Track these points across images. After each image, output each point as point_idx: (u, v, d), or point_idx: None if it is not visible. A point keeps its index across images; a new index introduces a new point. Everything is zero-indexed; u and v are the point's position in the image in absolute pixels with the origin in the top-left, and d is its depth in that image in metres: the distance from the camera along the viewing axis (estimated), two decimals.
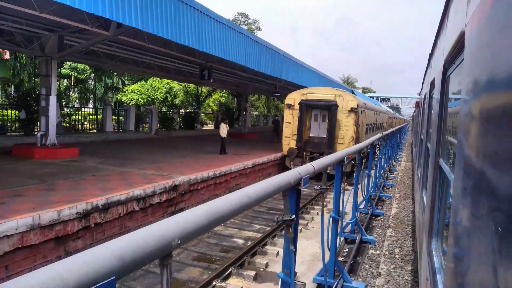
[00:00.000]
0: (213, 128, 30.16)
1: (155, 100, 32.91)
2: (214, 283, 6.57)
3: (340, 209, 6.35)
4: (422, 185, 5.30)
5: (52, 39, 11.84)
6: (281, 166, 17.63)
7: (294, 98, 17.25)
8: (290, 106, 17.30)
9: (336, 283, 6.21)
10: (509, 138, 0.88)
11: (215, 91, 32.21)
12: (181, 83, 30.97)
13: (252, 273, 7.08)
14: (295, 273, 3.33)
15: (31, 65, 31.14)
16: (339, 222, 6.57)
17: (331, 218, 6.00)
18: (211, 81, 16.54)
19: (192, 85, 29.84)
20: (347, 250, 9.12)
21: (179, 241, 1.37)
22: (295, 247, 3.10)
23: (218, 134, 16.69)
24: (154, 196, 9.13)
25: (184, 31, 10.91)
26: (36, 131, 16.07)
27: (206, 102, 32.31)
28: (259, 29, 48.87)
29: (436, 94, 3.82)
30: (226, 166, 12.91)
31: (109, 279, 1.03)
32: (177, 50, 14.15)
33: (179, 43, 11.06)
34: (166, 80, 32.78)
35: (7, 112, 16.82)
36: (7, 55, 35.75)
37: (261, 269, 7.59)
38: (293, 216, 2.83)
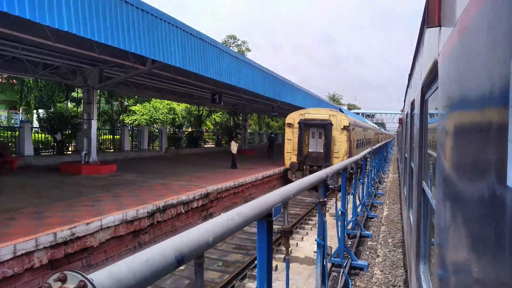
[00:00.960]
0: (214, 146, 32.39)
1: (157, 120, 35.03)
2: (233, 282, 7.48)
3: (345, 206, 8.62)
4: (408, 204, 5.34)
5: (94, 72, 14.03)
6: (283, 178, 19.91)
7: (293, 118, 19.69)
8: (290, 125, 19.71)
9: (346, 261, 8.44)
10: (477, 157, 0.96)
11: (215, 111, 34.61)
12: (179, 104, 33.27)
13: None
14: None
15: (37, 89, 33.07)
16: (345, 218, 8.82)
17: (340, 212, 8.26)
18: (221, 104, 18.88)
19: (193, 106, 32.13)
20: (350, 243, 11.35)
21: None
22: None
23: (219, 151, 18.94)
24: (193, 201, 11.27)
25: (208, 65, 13.24)
26: (69, 151, 18.04)
27: (206, 121, 34.62)
28: (248, 50, 51.76)
29: (416, 117, 3.99)
30: (242, 178, 15.13)
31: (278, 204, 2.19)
32: (195, 79, 16.48)
33: (200, 74, 13.33)
34: (166, 101, 35.01)
35: (40, 135, 18.71)
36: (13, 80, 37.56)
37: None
38: (325, 199, 5.05)
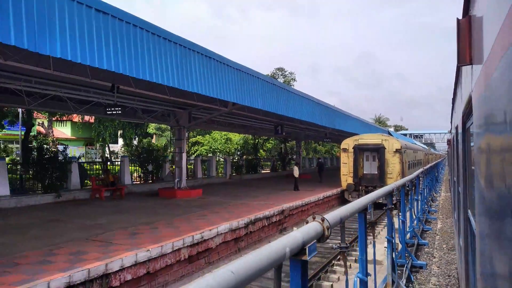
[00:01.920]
0: (269, 171, 35.03)
1: (216, 150, 38.46)
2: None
3: (405, 216, 10.64)
4: (458, 231, 5.18)
5: (184, 114, 17.23)
6: (340, 199, 21.93)
7: (348, 143, 21.85)
8: (345, 150, 21.87)
9: (408, 261, 10.41)
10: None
11: (268, 139, 37.54)
12: (235, 134, 36.52)
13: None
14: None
15: (111, 127, 37.71)
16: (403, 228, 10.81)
17: (401, 221, 10.30)
18: (284, 134, 21.55)
19: (249, 136, 35.21)
20: (409, 249, 13.18)
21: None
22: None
23: (275, 176, 21.34)
24: (273, 216, 13.74)
25: (278, 104, 15.95)
26: (157, 179, 21.32)
27: (262, 149, 37.60)
28: (294, 80, 54.83)
29: (459, 144, 4.00)
30: (307, 198, 17.44)
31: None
32: (262, 114, 19.29)
33: (271, 112, 16.03)
34: (224, 132, 38.47)
35: (131, 167, 22.27)
36: (86, 119, 42.86)
37: None
38: (392, 206, 7.26)
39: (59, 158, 14.96)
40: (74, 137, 44.26)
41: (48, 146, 17.03)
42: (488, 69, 1.32)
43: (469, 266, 3.01)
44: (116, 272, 7.22)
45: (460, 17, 2.09)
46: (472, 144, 2.55)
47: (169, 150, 27.26)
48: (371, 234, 5.94)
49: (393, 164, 20.66)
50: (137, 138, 38.27)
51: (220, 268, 1.32)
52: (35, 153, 14.90)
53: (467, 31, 1.93)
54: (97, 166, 19.60)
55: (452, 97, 6.74)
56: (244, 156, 32.34)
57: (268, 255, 1.57)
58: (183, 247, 9.06)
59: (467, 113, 2.73)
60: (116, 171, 19.28)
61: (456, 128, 5.10)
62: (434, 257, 11.27)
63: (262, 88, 14.59)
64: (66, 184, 15.46)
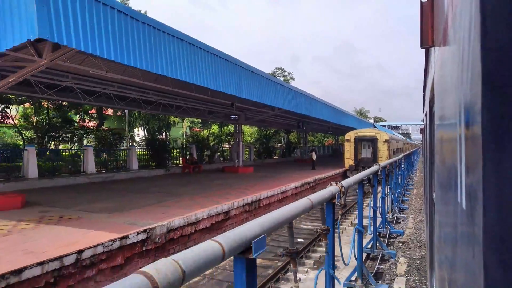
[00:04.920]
0: (278, 157, 42.68)
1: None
2: None
3: (386, 191, 18.32)
4: (426, 214, 5.60)
5: (242, 115, 24.48)
6: (344, 177, 29.73)
7: (350, 135, 29.59)
8: (348, 140, 29.58)
9: (394, 214, 18.14)
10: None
11: (278, 131, 45.18)
12: (249, 126, 43.99)
13: None
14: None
15: (141, 120, 44.28)
16: (386, 200, 18.54)
17: (386, 194, 17.94)
18: (304, 128, 29.10)
19: (261, 128, 42.69)
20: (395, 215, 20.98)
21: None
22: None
23: (285, 161, 28.93)
24: (311, 183, 21.26)
25: (312, 108, 23.37)
26: (210, 161, 28.53)
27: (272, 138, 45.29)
28: (292, 79, 62.44)
29: (427, 129, 4.36)
30: (324, 174, 25.08)
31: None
32: (291, 114, 26.67)
33: (299, 113, 23.43)
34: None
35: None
36: (119, 113, 49.02)
37: None
38: (375, 186, 14.78)
39: (167, 145, 22.06)
40: (105, 127, 50.45)
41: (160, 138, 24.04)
42: (442, 49, 1.34)
43: (434, 252, 3.16)
44: (260, 200, 14.58)
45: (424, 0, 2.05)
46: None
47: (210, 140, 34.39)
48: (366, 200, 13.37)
49: (383, 150, 28.55)
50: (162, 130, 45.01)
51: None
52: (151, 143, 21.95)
53: (430, 13, 1.92)
54: (175, 151, 26.71)
55: (423, 84, 6.61)
56: (264, 145, 39.71)
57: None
58: (277, 193, 16.48)
59: (433, 98, 2.73)
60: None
61: (426, 114, 5.25)
62: (408, 228, 19.04)
63: (295, 96, 22.01)
64: (167, 163, 22.61)
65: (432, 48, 2.31)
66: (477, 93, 0.61)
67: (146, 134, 51.22)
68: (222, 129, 38.85)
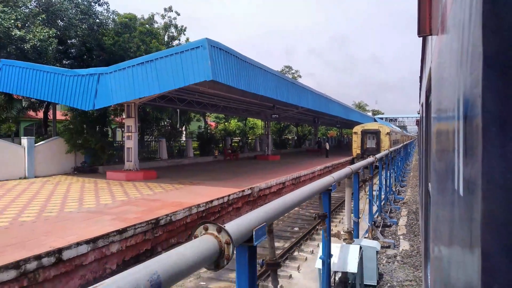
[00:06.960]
0: (289, 148, 48.15)
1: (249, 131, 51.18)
2: None
3: (387, 175, 23.75)
4: (421, 203, 5.62)
5: (268, 111, 29.79)
6: (352, 163, 35.24)
7: (358, 129, 35.04)
8: (355, 133, 35.04)
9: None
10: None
11: (290, 125, 50.62)
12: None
13: None
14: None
15: (165, 114, 49.06)
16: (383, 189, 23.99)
17: (384, 183, 23.37)
18: (319, 123, 34.56)
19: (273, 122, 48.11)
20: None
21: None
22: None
23: (297, 151, 34.45)
24: (330, 167, 26.68)
25: (331, 108, 28.68)
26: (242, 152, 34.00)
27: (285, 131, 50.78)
28: (299, 76, 67.83)
29: (423, 121, 4.35)
30: (337, 160, 30.54)
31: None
32: (313, 112, 31.96)
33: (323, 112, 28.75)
34: (252, 119, 51.23)
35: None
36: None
37: None
38: (372, 176, 20.18)
39: (213, 137, 27.43)
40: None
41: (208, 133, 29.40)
42: (440, 38, 1.31)
43: (428, 242, 3.14)
44: (300, 176, 19.98)
45: None
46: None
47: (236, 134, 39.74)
48: (363, 188, 18.78)
49: (385, 141, 34.07)
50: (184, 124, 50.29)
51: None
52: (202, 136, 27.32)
53: (427, 0, 1.87)
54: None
55: (419, 74, 6.30)
56: (280, 137, 45.11)
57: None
58: (309, 173, 21.89)
59: (429, 88, 2.66)
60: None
61: (422, 105, 5.26)
62: (402, 217, 24.54)
63: (318, 97, 27.35)
64: (214, 152, 28.01)
65: (430, 37, 2.35)
66: (478, 77, 0.60)
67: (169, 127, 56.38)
68: (246, 123, 44.23)
